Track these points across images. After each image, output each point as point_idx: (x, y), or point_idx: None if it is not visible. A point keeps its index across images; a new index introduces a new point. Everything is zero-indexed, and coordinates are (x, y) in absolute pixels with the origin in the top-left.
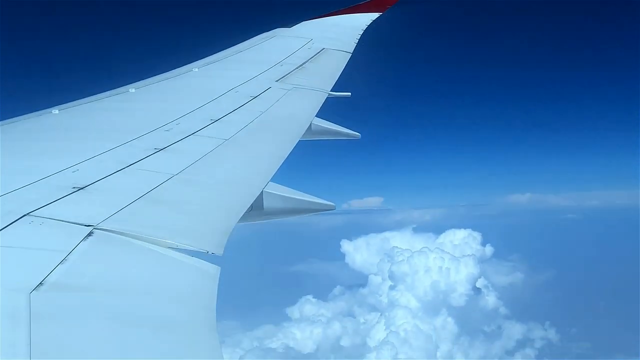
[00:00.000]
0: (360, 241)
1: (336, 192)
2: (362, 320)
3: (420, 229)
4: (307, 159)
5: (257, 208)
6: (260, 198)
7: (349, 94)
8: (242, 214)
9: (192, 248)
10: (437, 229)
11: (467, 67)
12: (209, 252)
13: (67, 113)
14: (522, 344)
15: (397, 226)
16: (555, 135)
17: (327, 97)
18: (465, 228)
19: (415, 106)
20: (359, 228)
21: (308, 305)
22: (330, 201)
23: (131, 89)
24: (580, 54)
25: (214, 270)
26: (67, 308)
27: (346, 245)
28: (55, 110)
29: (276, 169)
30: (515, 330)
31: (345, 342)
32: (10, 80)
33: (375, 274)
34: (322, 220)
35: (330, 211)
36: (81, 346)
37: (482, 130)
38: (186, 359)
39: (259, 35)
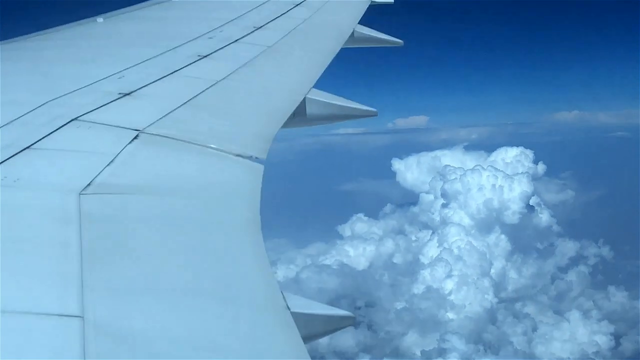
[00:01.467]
0: (410, 160)
1: (380, 110)
2: (413, 238)
3: (471, 147)
4: (350, 72)
5: (300, 114)
6: (302, 104)
7: (392, 0)
8: (285, 119)
9: (235, 153)
10: (487, 147)
11: None
12: (253, 157)
13: (111, 21)
14: (575, 261)
15: (446, 145)
16: (601, 50)
17: (369, 5)
18: (516, 146)
19: (456, 20)
20: (407, 147)
21: (359, 223)
22: (374, 108)
23: None
24: None
25: (257, 166)
26: (115, 209)
27: (396, 164)
28: (100, 19)
29: (319, 76)
30: (568, 247)
31: (397, 259)
32: None
33: (426, 193)
34: (369, 139)
35: (374, 131)
36: (129, 246)
37: (527, 46)
38: (228, 256)
39: None
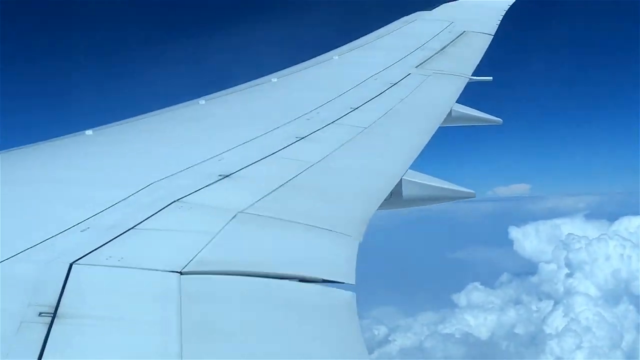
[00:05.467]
0: (524, 227)
1: (479, 179)
2: (534, 308)
3: (592, 216)
4: (447, 145)
5: (396, 195)
6: (399, 185)
7: (490, 78)
8: (381, 201)
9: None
10: (606, 216)
11: (614, 48)
12: (351, 238)
13: (212, 103)
14: None
15: (553, 213)
16: None
17: (467, 82)
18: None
19: (558, 91)
20: (513, 215)
21: (475, 293)
22: (472, 188)
23: (273, 78)
24: None
25: (353, 245)
26: (214, 288)
27: (513, 232)
28: (202, 101)
29: (415, 156)
30: None
31: (519, 329)
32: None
33: (546, 262)
34: (471, 207)
35: (477, 199)
36: (228, 326)
37: (625, 112)
38: (325, 338)
39: (399, 20)
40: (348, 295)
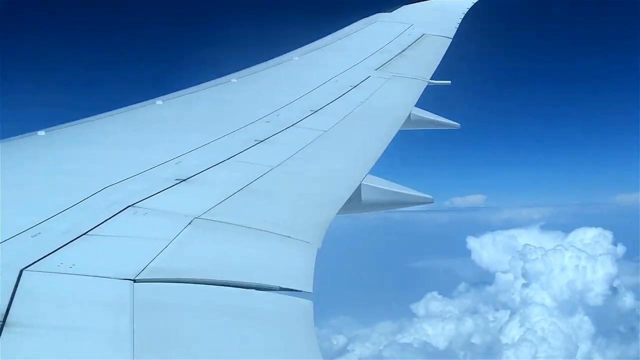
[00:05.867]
0: (481, 238)
1: (436, 189)
2: (490, 318)
3: (547, 227)
4: (405, 154)
5: (355, 200)
6: (358, 190)
7: (449, 82)
8: (341, 206)
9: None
10: (559, 227)
11: (574, 53)
12: (309, 244)
13: (170, 104)
14: None
15: (509, 224)
16: None
17: (427, 86)
18: (594, 227)
19: (515, 97)
20: (470, 225)
21: (433, 302)
22: (430, 195)
23: (233, 79)
24: None
25: (311, 253)
26: (167, 296)
27: (469, 241)
28: (159, 101)
29: (375, 161)
30: None
31: (476, 339)
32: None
33: (503, 272)
34: (427, 217)
35: (434, 209)
36: (181, 335)
37: (585, 127)
38: (280, 347)
39: (359, 21)
40: (305, 303)
